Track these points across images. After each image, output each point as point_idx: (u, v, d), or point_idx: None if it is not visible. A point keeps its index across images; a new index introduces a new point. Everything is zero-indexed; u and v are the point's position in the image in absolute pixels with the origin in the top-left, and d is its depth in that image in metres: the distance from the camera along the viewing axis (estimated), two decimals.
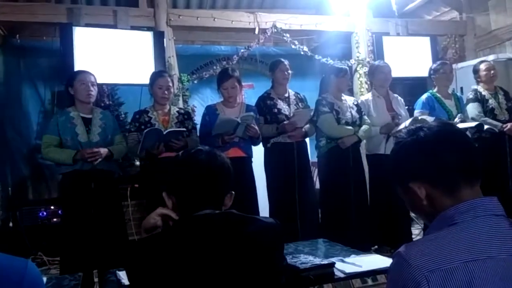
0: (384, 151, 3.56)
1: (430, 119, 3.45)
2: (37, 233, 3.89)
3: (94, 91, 2.98)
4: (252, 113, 3.21)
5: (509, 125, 3.72)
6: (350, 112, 3.59)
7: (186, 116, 3.25)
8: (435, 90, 3.83)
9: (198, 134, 3.30)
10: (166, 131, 2.94)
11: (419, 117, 3.56)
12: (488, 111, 3.80)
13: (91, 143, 2.92)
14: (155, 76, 3.18)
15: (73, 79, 2.97)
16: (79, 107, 2.98)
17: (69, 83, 2.99)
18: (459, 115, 3.71)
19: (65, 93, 3.10)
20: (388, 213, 3.55)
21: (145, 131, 2.89)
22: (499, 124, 3.74)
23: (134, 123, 3.14)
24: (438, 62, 3.96)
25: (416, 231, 4.04)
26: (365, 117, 3.65)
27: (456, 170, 0.89)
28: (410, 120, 3.55)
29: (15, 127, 4.59)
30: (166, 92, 3.12)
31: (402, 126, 3.53)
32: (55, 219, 3.97)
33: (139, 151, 2.95)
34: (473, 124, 3.60)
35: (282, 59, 3.52)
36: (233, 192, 1.23)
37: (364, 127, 3.58)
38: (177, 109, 3.34)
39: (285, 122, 3.35)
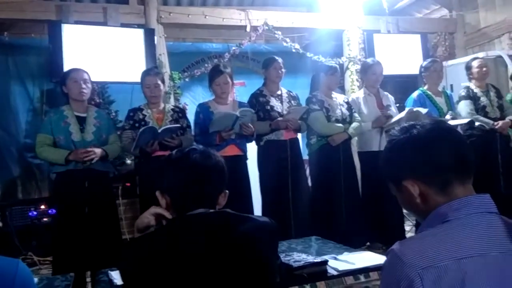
0: (379, 147, 3.58)
1: (424, 111, 3.50)
2: (27, 233, 3.85)
3: (87, 89, 2.94)
4: (251, 109, 3.19)
5: (500, 122, 3.75)
6: (340, 109, 3.61)
7: (180, 114, 3.23)
8: (425, 87, 3.85)
9: (192, 132, 3.28)
10: (161, 129, 2.92)
11: (414, 109, 3.58)
12: (479, 109, 3.81)
13: (85, 142, 2.88)
14: (143, 76, 3.16)
15: (66, 77, 2.93)
16: (73, 106, 2.94)
17: (62, 82, 2.95)
18: (450, 112, 3.74)
19: (59, 91, 3.06)
20: (381, 210, 3.57)
21: (141, 129, 2.87)
22: (491, 121, 3.77)
23: (128, 121, 3.11)
24: (429, 60, 3.97)
25: (408, 228, 4.07)
26: (356, 114, 3.67)
27: (448, 168, 0.90)
28: (405, 111, 3.56)
29: (3, 125, 4.52)
30: (154, 90, 3.10)
31: (397, 118, 3.56)
32: (45, 219, 3.93)
33: (133, 148, 2.93)
34: (464, 120, 3.63)
35: (276, 57, 3.50)
36: (227, 191, 1.22)
37: (354, 124, 3.60)
38: (172, 107, 3.31)
39: (278, 119, 3.35)
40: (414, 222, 3.97)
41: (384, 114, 3.66)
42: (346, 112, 3.62)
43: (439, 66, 3.85)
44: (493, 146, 3.81)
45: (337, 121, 3.55)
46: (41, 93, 4.62)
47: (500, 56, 4.64)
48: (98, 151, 2.85)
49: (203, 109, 3.28)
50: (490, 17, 5.07)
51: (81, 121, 2.93)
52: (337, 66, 3.77)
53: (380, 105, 3.78)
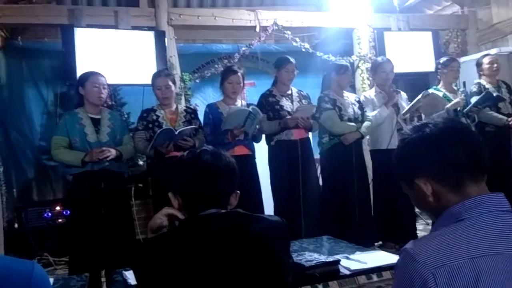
0: (387, 146, 3.56)
1: (440, 93, 3.46)
2: (42, 234, 3.91)
3: (104, 94, 2.99)
4: (259, 111, 3.19)
5: None
6: (353, 108, 3.59)
7: (193, 115, 3.25)
8: (439, 85, 3.81)
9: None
10: (178, 131, 2.94)
11: (430, 91, 3.56)
12: (492, 105, 3.77)
13: (101, 143, 2.91)
14: (153, 78, 3.18)
15: (86, 80, 2.95)
16: (88, 108, 2.98)
17: (81, 83, 2.97)
18: (461, 89, 3.73)
19: (73, 92, 3.09)
20: (393, 209, 3.54)
21: (158, 131, 2.90)
22: (504, 118, 3.72)
23: (142, 122, 3.14)
24: (448, 58, 3.91)
25: (420, 227, 4.03)
26: (367, 113, 3.65)
27: (462, 166, 0.90)
28: (420, 95, 3.56)
29: (18, 128, 4.60)
30: (165, 92, 3.12)
31: (413, 102, 3.58)
32: (60, 220, 3.99)
33: (149, 149, 2.96)
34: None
35: (290, 58, 3.44)
36: (239, 192, 1.23)
37: (366, 123, 3.58)
38: (184, 108, 3.34)
39: (287, 117, 3.34)
40: (429, 221, 3.93)
41: (392, 90, 3.66)
42: (358, 111, 3.60)
43: (456, 65, 3.80)
44: (506, 143, 3.76)
45: (349, 120, 3.53)
46: (54, 96, 4.69)
47: None
48: (113, 150, 2.89)
49: (212, 109, 3.30)
50: (502, 13, 4.99)
51: (96, 122, 2.97)
52: (348, 65, 3.74)
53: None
